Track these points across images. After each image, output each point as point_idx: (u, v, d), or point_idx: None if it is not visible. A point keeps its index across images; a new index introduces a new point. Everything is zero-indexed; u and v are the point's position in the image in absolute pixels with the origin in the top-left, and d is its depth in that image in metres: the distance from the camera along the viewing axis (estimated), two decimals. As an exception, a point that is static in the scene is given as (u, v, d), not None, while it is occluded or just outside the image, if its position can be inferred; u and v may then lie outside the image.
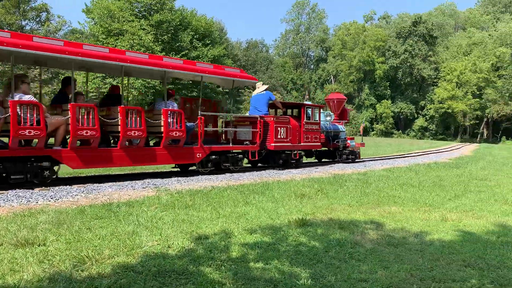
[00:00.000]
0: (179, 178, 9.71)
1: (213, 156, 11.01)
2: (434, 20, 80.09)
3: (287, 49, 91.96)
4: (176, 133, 9.80)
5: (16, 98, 7.38)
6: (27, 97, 7.63)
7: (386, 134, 70.53)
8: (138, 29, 31.51)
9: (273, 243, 4.46)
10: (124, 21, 32.28)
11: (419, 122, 74.03)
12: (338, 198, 7.55)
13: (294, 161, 13.55)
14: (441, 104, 69.51)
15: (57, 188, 7.70)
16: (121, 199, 6.76)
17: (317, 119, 14.23)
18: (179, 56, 32.31)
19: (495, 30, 75.91)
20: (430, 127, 74.06)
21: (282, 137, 12.63)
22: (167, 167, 12.51)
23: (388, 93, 74.94)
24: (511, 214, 6.56)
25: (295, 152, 13.38)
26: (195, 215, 5.65)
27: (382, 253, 4.22)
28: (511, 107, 63.29)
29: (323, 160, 16.82)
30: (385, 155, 23.13)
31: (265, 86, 13.05)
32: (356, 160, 17.16)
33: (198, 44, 36.16)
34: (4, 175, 7.60)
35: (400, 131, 74.16)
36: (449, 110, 68.50)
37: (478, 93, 68.39)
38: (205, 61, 34.21)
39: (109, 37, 31.93)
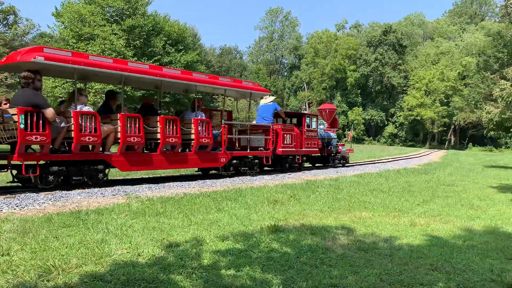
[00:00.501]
0: (150, 185, 9.59)
1: (234, 161, 12.35)
2: (404, 29, 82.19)
3: (261, 56, 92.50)
4: (204, 140, 11.00)
5: (78, 109, 8.51)
6: (86, 108, 8.83)
7: (358, 140, 71.68)
8: (110, 34, 31.06)
9: (245, 249, 4.44)
10: (95, 25, 31.75)
11: (389, 129, 75.61)
12: (310, 204, 7.61)
13: (297, 165, 15.05)
14: (410, 112, 71.24)
15: (23, 195, 7.47)
16: (90, 207, 6.61)
17: (315, 127, 15.88)
18: (151, 61, 32.03)
19: (461, 40, 78.51)
20: (400, 133, 75.73)
21: (287, 143, 14.18)
22: (139, 174, 12.33)
23: (359, 100, 76.33)
24: (476, 219, 6.75)
25: (298, 156, 14.85)
26: (166, 222, 5.58)
27: (352, 258, 4.27)
28: (477, 114, 65.16)
29: (316, 164, 18.14)
30: (356, 161, 23.48)
31: (272, 98, 14.45)
32: (346, 165, 18.65)
33: (171, 50, 35.92)
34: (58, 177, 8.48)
35: (371, 137, 75.53)
36: (418, 117, 70.28)
37: (445, 101, 70.46)
38: (178, 66, 33.99)
39: (80, 41, 31.34)
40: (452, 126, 74.24)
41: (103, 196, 7.76)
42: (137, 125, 9.34)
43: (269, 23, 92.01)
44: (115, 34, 31.60)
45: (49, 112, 7.88)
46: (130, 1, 33.54)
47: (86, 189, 8.51)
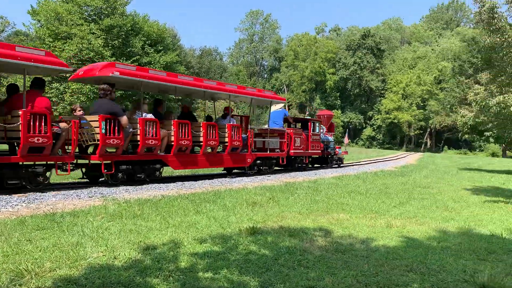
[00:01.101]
0: (127, 187, 9.46)
1: (258, 161, 14.03)
2: (382, 34, 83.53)
3: (241, 58, 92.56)
4: (236, 143, 12.63)
5: (143, 116, 10.01)
6: (149, 116, 10.32)
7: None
8: (87, 33, 30.57)
9: (223, 252, 4.43)
10: (72, 24, 31.21)
11: (367, 131, 76.66)
12: (289, 206, 7.64)
13: (305, 165, 16.92)
14: (387, 115, 72.39)
15: (-5, 197, 7.27)
16: (65, 209, 6.49)
17: (318, 131, 17.79)
18: (130, 61, 31.68)
19: (437, 45, 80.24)
20: (377, 136, 76.84)
21: (298, 145, 16.03)
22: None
23: (338, 103, 77.17)
24: (451, 220, 6.90)
25: (306, 157, 16.85)
26: (143, 225, 5.52)
27: (330, 260, 4.30)
28: (452, 118, 66.69)
29: (315, 165, 19.68)
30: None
31: (281, 104, 16.39)
32: (341, 165, 20.89)
33: (150, 50, 35.58)
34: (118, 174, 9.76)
35: (350, 140, 76.36)
36: (395, 121, 71.47)
37: (422, 104, 71.86)
38: (157, 67, 33.70)
39: (56, 40, 30.74)
40: (428, 129, 75.74)
41: (79, 198, 7.62)
42: (186, 130, 10.96)
43: (250, 25, 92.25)
44: (93, 33, 31.13)
45: (124, 119, 9.40)
46: (109, 0, 33.09)
47: (62, 191, 8.35)
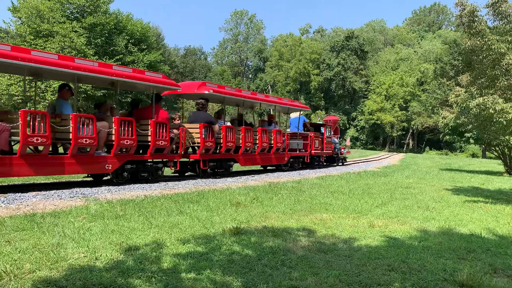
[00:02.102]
0: (110, 187, 9.36)
1: (291, 159, 16.97)
2: (365, 35, 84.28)
3: (226, 58, 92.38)
4: (279, 144, 15.54)
5: (224, 124, 12.92)
6: (228, 123, 13.30)
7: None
8: (70, 31, 30.16)
9: (206, 252, 4.42)
10: (54, 22, 30.75)
11: (351, 132, 77.23)
12: (273, 206, 7.65)
13: (321, 163, 20.20)
14: (371, 116, 73.07)
15: (-27, 198, 7.12)
16: (46, 210, 6.38)
17: (329, 134, 20.91)
18: (112, 60, 31.36)
19: (420, 47, 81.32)
20: (361, 137, 77.51)
21: (317, 146, 19.09)
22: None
23: (322, 104, 77.61)
24: (432, 220, 7.00)
25: (322, 156, 20.08)
26: (125, 225, 5.46)
27: (312, 260, 4.32)
28: (433, 119, 67.78)
29: (325, 163, 21.89)
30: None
31: (298, 112, 18.87)
32: (345, 164, 23.96)
33: (134, 49, 35.28)
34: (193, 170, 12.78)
35: (351, 142, 76.82)
36: (378, 122, 72.19)
37: (404, 105, 72.71)
38: (141, 66, 33.42)
39: (38, 38, 30.25)
40: (410, 130, 76.72)
41: (60, 199, 7.51)
42: (251, 134, 13.82)
43: (234, 25, 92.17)
44: (76, 31, 30.72)
45: (216, 127, 12.30)
46: (92, -2, 32.75)
47: (42, 191, 8.22)
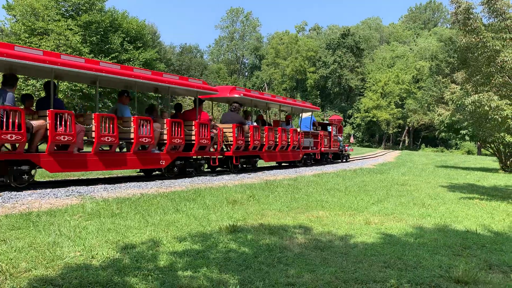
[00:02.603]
0: (106, 185, 9.35)
1: (305, 156, 18.95)
2: (361, 33, 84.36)
3: (222, 56, 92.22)
4: (295, 142, 17.36)
5: (251, 124, 14.54)
6: (254, 123, 14.88)
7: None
8: (65, 29, 30.00)
9: (203, 250, 4.42)
10: (49, 20, 30.57)
11: (347, 129, 77.34)
12: (269, 204, 7.66)
13: (330, 159, 22.40)
14: (367, 113, 73.20)
15: (-32, 197, 7.09)
16: (41, 208, 6.36)
17: (335, 133, 22.87)
18: (108, 58, 31.23)
19: (415, 45, 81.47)
20: (357, 134, 77.64)
21: (326, 144, 21.16)
22: (94, 174, 12.00)
23: (319, 101, 77.64)
24: (427, 217, 7.02)
25: (330, 153, 22.21)
26: (122, 223, 5.45)
27: (309, 257, 4.33)
28: (429, 116, 68.06)
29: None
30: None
31: (310, 113, 20.51)
32: (348, 160, 25.50)
33: (129, 47, 35.14)
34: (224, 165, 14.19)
35: (354, 140, 76.93)
36: (374, 119, 72.33)
37: (400, 103, 72.88)
38: (137, 64, 33.30)
39: (33, 36, 30.08)
40: (406, 128, 76.92)
41: (56, 197, 7.48)
42: (273, 133, 15.55)
43: (230, 22, 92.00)
44: (71, 29, 30.56)
45: (246, 127, 13.98)
46: (87, -4, 32.57)
47: (38, 190, 8.19)
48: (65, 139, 8.53)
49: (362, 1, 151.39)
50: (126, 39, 35.17)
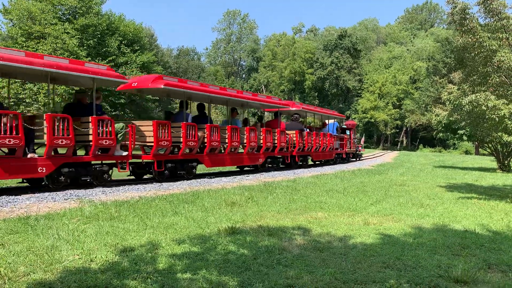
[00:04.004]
0: (105, 189, 9.32)
1: (335, 155, 22.49)
2: (358, 34, 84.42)
3: (219, 58, 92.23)
4: (331, 144, 21.03)
5: (306, 131, 18.03)
6: (307, 130, 18.22)
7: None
8: (62, 33, 29.98)
9: (202, 252, 4.41)
10: (46, 24, 30.54)
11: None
12: (268, 205, 7.66)
13: (350, 158, 26.11)
14: (364, 114, 73.22)
15: (-34, 201, 7.07)
16: (40, 212, 6.35)
17: (354, 136, 27.01)
18: (105, 61, 31.21)
19: (412, 46, 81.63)
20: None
21: (348, 146, 24.92)
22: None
23: (317, 103, 77.58)
24: (426, 217, 7.03)
25: (351, 153, 26.19)
26: (120, 227, 5.44)
27: (308, 258, 4.33)
28: (427, 117, 68.05)
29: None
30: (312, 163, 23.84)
31: (337, 119, 25.32)
32: (360, 159, 28.78)
33: (126, 50, 35.14)
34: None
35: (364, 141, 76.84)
36: (372, 120, 72.36)
37: (398, 103, 72.93)
38: (133, 67, 33.30)
39: (29, 40, 30.06)
40: (404, 128, 76.97)
41: (54, 201, 7.46)
42: (321, 137, 19.38)
43: (227, 25, 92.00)
44: (68, 33, 30.54)
45: (304, 133, 17.45)
46: (84, -1, 32.58)
47: (36, 194, 8.17)
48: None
49: (358, 2, 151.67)
50: (123, 42, 35.19)
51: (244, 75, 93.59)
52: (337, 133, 23.76)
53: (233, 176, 13.28)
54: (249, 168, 16.24)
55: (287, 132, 16.57)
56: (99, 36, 33.33)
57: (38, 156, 8.41)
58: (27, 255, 4.08)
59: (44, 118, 8.22)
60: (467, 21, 9.11)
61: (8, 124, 7.58)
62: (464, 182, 14.46)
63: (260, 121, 16.86)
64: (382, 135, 77.54)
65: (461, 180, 15.20)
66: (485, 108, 9.06)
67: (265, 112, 20.63)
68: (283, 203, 8.00)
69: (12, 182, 10.16)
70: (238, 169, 16.36)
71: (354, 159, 27.80)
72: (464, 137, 25.39)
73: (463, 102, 9.47)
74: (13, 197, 7.67)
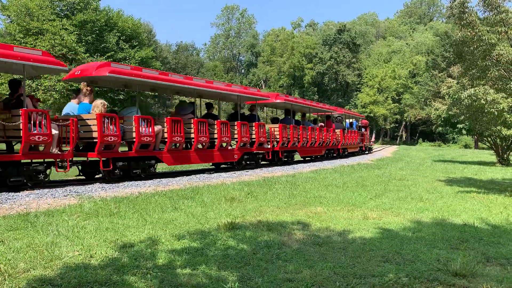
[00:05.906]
0: (104, 185, 9.33)
1: (359, 148, 27.15)
2: (358, 28, 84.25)
3: (218, 53, 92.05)
4: (355, 139, 25.86)
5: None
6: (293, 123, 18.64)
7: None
8: (60, 29, 29.86)
9: (202, 248, 4.42)
10: (44, 20, 30.41)
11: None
12: (267, 200, 7.67)
13: (366, 151, 31.26)
14: (364, 109, 73.20)
15: (-35, 198, 7.07)
16: (39, 208, 6.36)
17: (368, 132, 31.91)
18: (104, 58, 31.12)
19: (411, 40, 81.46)
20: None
21: (366, 141, 30.33)
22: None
23: (316, 98, 77.56)
24: (425, 211, 7.04)
25: (366, 147, 31.26)
26: (120, 223, 5.45)
27: (307, 253, 4.34)
28: (426, 111, 68.02)
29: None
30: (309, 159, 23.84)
31: (357, 119, 30.52)
32: (371, 152, 32.98)
33: (125, 46, 35.01)
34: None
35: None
36: (371, 114, 72.35)
37: (397, 98, 72.93)
38: (132, 63, 33.19)
39: (28, 36, 29.92)
40: (404, 123, 77.01)
41: (54, 197, 7.47)
42: (349, 133, 24.41)
43: (225, 20, 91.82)
44: (66, 29, 30.42)
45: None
46: (81, -5, 32.43)
47: (36, 190, 8.17)
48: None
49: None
50: (121, 38, 35.05)
51: (243, 70, 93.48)
52: (357, 131, 27.72)
53: (232, 172, 13.29)
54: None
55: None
56: (97, 32, 33.21)
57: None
58: (27, 251, 4.09)
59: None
60: (466, 14, 9.09)
61: None
62: (463, 176, 14.48)
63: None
64: (381, 129, 77.56)
65: (460, 174, 15.22)
66: (484, 102, 9.06)
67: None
68: (282, 198, 8.01)
69: None
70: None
71: (367, 152, 31.72)
72: (464, 131, 25.40)
73: (462, 96, 9.47)
74: (12, 193, 7.67)
